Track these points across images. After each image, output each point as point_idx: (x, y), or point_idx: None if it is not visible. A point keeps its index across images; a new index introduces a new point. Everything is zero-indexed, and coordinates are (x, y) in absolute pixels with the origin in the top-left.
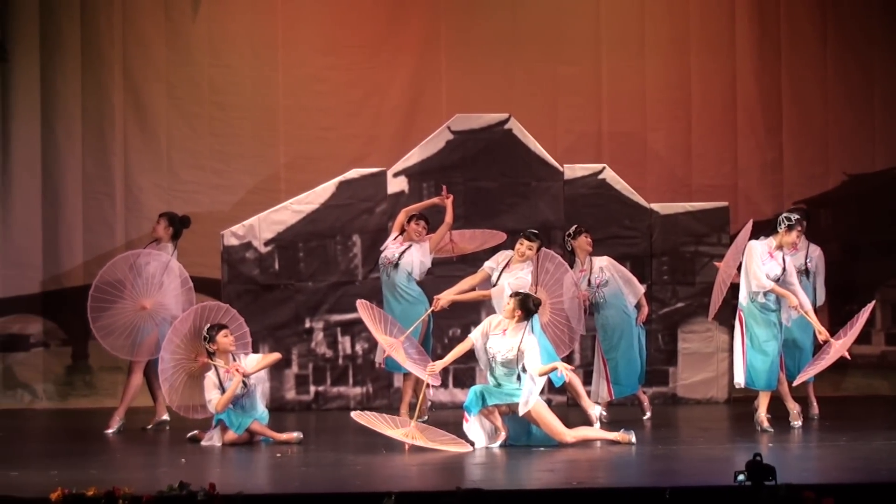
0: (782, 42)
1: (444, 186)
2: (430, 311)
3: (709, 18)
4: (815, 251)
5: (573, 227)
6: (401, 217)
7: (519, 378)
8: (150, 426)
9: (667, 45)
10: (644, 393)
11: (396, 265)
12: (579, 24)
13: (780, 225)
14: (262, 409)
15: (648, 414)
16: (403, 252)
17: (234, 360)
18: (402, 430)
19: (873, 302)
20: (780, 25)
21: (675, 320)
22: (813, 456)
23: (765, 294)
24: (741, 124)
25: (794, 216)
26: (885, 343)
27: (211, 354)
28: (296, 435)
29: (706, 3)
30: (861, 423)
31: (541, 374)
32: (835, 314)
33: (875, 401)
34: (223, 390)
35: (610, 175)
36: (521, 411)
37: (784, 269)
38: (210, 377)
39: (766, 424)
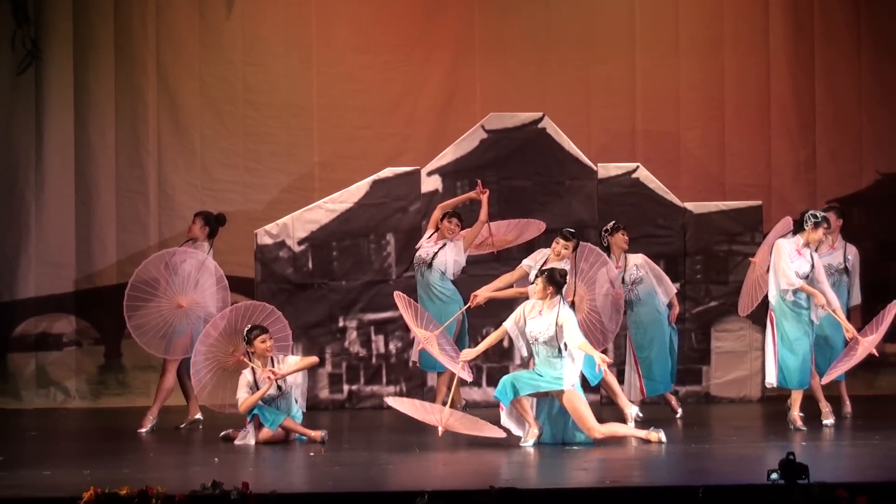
0: (816, 41)
1: (480, 181)
2: (465, 307)
3: (743, 17)
4: (852, 250)
5: (611, 224)
6: (436, 214)
7: (561, 354)
8: (183, 425)
9: (701, 44)
10: (673, 393)
11: (430, 265)
12: (613, 23)
13: (806, 223)
14: (296, 409)
15: (679, 412)
16: (437, 251)
17: (273, 361)
18: (436, 415)
19: None
20: (814, 24)
21: (708, 319)
22: (846, 454)
23: (794, 292)
24: (775, 123)
25: (820, 213)
26: None
27: (249, 354)
28: (321, 434)
29: (740, 1)
30: (894, 421)
31: (580, 349)
32: (868, 313)
33: None
34: (255, 390)
35: (644, 174)
36: (566, 386)
37: (813, 267)
38: (245, 375)
39: (799, 423)
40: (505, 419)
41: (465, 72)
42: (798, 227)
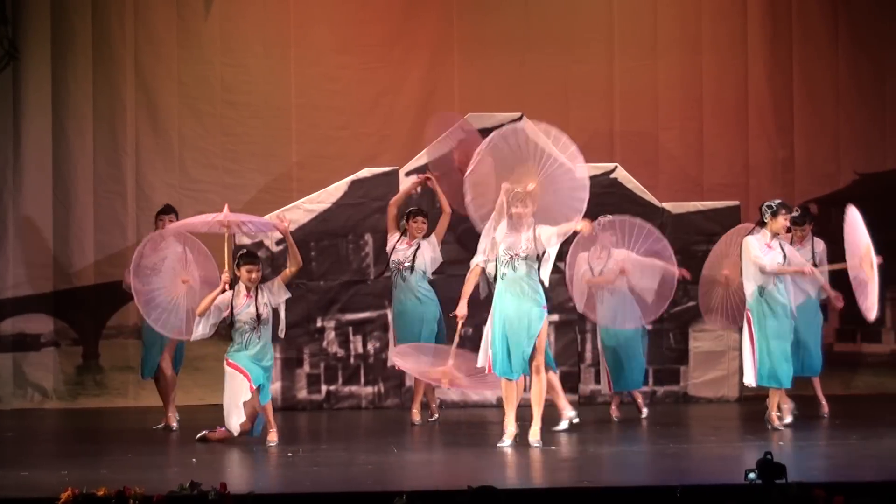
0: (794, 41)
1: (428, 167)
2: (460, 326)
3: (721, 18)
4: (820, 245)
5: (607, 220)
6: (392, 212)
7: (538, 268)
8: (160, 425)
9: (679, 45)
10: (650, 392)
11: (412, 267)
12: (592, 24)
13: (764, 215)
14: (270, 358)
15: (645, 412)
16: (415, 252)
17: (258, 291)
18: (439, 369)
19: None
20: (792, 25)
21: (686, 319)
22: (823, 454)
23: (775, 283)
24: (753, 123)
25: (775, 202)
26: None
27: (234, 280)
28: (276, 437)
29: (718, 2)
30: (871, 421)
31: (558, 233)
32: (847, 312)
33: (885, 399)
34: (231, 315)
35: (622, 174)
36: (546, 311)
37: (785, 256)
38: (225, 297)
39: (776, 423)
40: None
41: (444, 72)
42: (761, 224)
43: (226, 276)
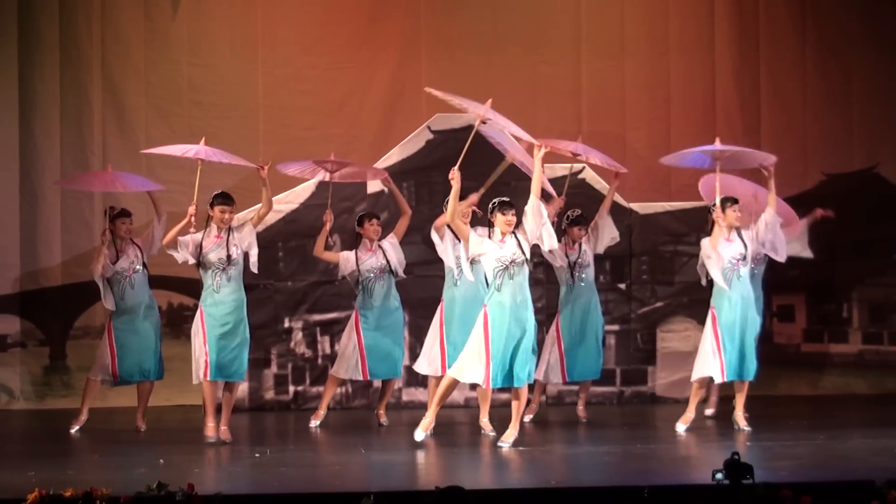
0: (761, 42)
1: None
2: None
3: (688, 18)
4: (750, 230)
5: (576, 214)
6: (320, 249)
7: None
8: (75, 428)
9: (646, 46)
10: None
11: (390, 270)
12: (559, 24)
13: (712, 213)
14: (243, 370)
15: (583, 417)
16: (385, 256)
17: (230, 231)
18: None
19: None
20: (760, 25)
21: (654, 319)
22: (790, 454)
23: (736, 276)
24: (720, 124)
25: (719, 198)
26: (862, 342)
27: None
28: (225, 436)
29: (686, 3)
30: (838, 421)
31: (533, 202)
32: (813, 313)
33: (852, 400)
34: (199, 251)
35: (589, 175)
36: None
37: (746, 247)
38: (195, 237)
39: (743, 423)
40: None
41: (411, 72)
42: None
43: (192, 209)
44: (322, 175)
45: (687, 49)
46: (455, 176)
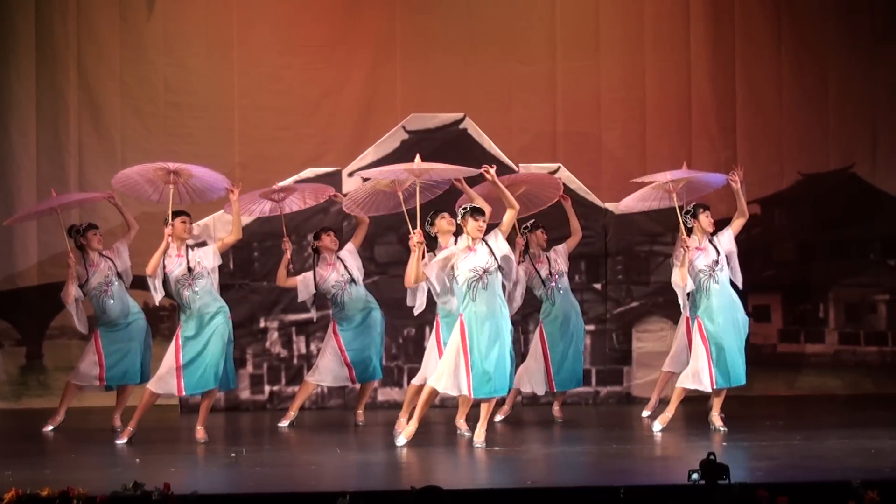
0: (737, 43)
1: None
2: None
3: (663, 19)
4: (721, 238)
5: (530, 222)
6: (282, 277)
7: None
8: (49, 428)
9: (622, 46)
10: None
11: (353, 279)
12: (535, 25)
13: (688, 223)
14: (218, 310)
15: (559, 417)
16: (346, 266)
17: (189, 248)
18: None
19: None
20: (735, 26)
21: (629, 320)
22: (766, 455)
23: (712, 282)
24: (696, 124)
25: (691, 206)
26: (839, 342)
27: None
28: (203, 436)
29: (661, 3)
30: (815, 421)
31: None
32: (789, 313)
33: (828, 400)
34: (164, 275)
35: (565, 174)
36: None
37: (719, 252)
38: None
39: (719, 423)
40: None
41: (386, 72)
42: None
43: (168, 230)
44: (269, 209)
45: (662, 49)
46: (419, 240)
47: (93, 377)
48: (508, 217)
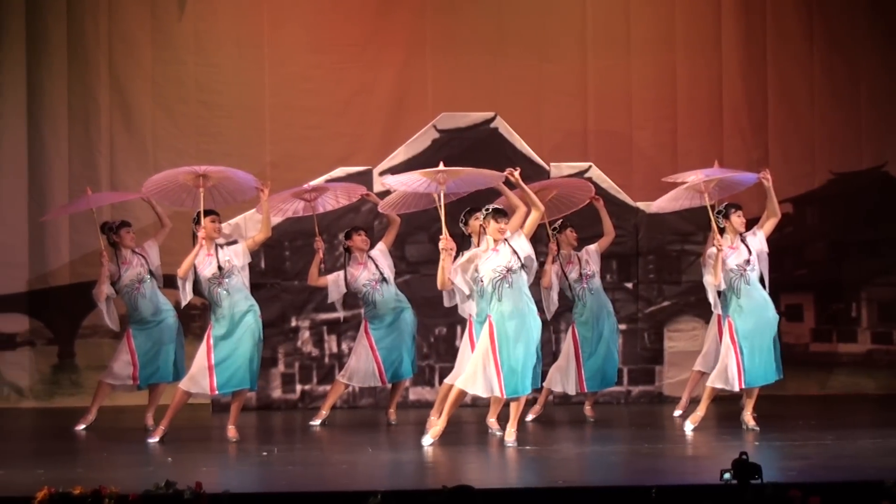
0: (768, 41)
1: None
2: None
3: (695, 17)
4: (754, 241)
5: (559, 222)
6: (314, 276)
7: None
8: (81, 427)
9: (653, 44)
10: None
11: (385, 279)
12: (565, 23)
13: (720, 223)
14: (248, 310)
15: (591, 417)
16: (377, 266)
17: (218, 247)
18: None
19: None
20: (767, 24)
21: (661, 319)
22: (799, 454)
23: (743, 282)
24: (727, 123)
25: (723, 205)
26: (871, 342)
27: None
28: (235, 434)
29: (692, 2)
30: (847, 421)
31: (529, 229)
32: (821, 313)
33: (861, 399)
34: (196, 275)
35: (596, 173)
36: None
37: (751, 252)
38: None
39: (751, 423)
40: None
41: (417, 71)
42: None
43: (202, 233)
44: (301, 208)
45: (693, 48)
46: (445, 245)
47: (126, 377)
48: (532, 219)
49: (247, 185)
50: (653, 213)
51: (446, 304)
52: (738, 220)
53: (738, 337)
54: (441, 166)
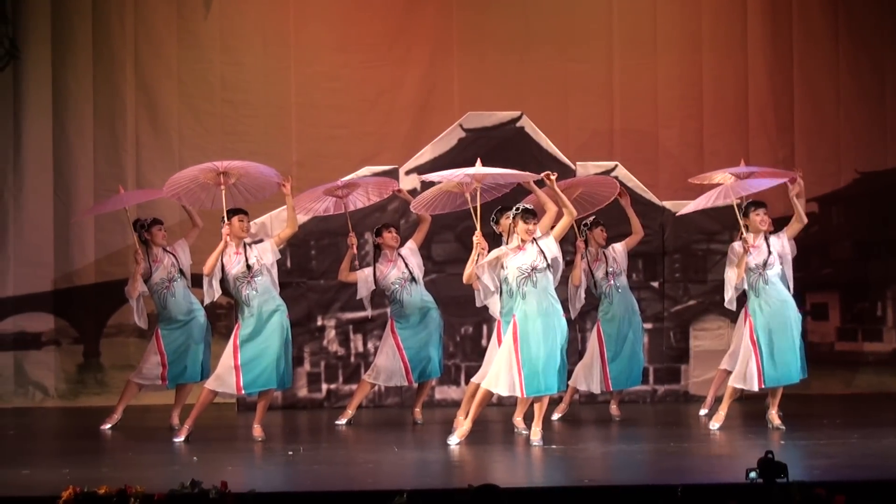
0: (794, 40)
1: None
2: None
3: (721, 16)
4: (777, 242)
5: (591, 219)
6: (345, 271)
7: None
8: (107, 426)
9: (679, 43)
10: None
11: (414, 278)
12: (591, 22)
13: (741, 218)
14: (277, 307)
15: (617, 416)
16: (407, 264)
17: (246, 246)
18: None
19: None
20: (793, 23)
21: (686, 318)
22: (824, 453)
23: (763, 281)
24: (753, 122)
25: (744, 204)
26: None
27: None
28: (261, 434)
29: (718, 1)
30: (872, 420)
31: (559, 231)
32: (846, 312)
33: (887, 398)
34: (223, 273)
35: (622, 172)
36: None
37: (770, 252)
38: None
39: (777, 422)
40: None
41: (443, 70)
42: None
43: (226, 230)
44: (333, 206)
45: (720, 47)
46: (483, 244)
47: (155, 377)
48: (563, 223)
49: (268, 181)
50: (681, 216)
51: (478, 303)
52: (757, 218)
53: (757, 336)
54: (479, 164)
